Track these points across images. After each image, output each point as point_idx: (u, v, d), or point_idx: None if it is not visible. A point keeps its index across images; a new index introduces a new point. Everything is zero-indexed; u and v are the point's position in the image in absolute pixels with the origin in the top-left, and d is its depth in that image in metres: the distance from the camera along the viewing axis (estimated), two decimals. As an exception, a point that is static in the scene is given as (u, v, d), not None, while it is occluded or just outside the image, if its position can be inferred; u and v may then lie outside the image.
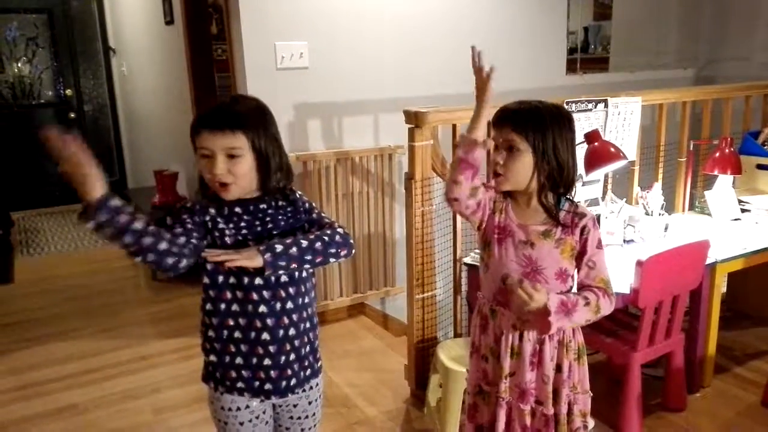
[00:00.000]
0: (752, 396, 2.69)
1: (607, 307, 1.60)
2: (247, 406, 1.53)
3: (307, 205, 1.55)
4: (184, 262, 1.37)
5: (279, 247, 1.39)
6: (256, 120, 1.44)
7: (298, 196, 1.55)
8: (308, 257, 1.43)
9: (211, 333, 1.51)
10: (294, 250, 1.41)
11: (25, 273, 4.59)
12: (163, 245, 1.33)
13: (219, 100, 1.51)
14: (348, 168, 3.45)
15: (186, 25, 4.02)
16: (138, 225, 1.29)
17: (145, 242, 1.30)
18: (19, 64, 6.34)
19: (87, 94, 6.68)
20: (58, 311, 3.87)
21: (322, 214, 1.56)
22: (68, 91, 6.53)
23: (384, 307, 3.73)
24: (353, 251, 1.52)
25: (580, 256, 1.61)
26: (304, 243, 1.43)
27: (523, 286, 1.49)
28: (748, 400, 2.67)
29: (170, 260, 1.34)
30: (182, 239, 1.39)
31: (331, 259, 1.47)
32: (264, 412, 1.56)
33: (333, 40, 3.37)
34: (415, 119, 2.49)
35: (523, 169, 1.55)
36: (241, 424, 1.54)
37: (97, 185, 1.27)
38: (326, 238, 1.46)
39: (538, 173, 1.56)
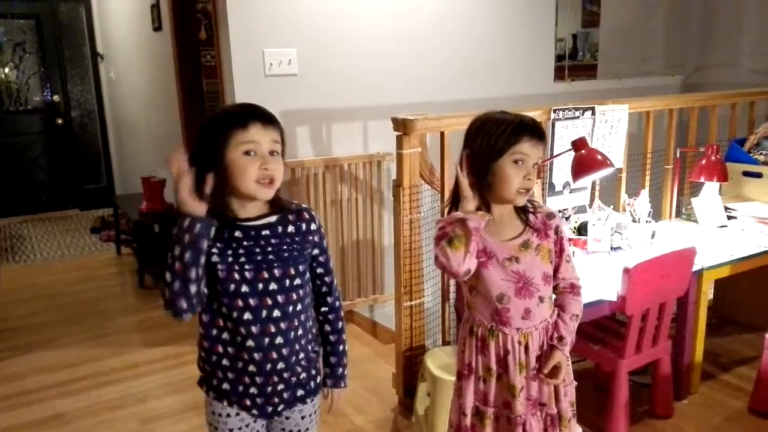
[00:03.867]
0: (739, 402, 2.70)
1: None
2: (237, 414, 1.52)
3: (317, 237, 1.51)
4: (190, 314, 1.37)
5: (340, 370, 1.61)
6: None
7: (316, 226, 1.51)
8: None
9: (203, 353, 1.50)
10: (345, 359, 1.62)
11: (10, 281, 4.55)
12: (193, 289, 1.34)
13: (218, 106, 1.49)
14: (336, 175, 3.45)
15: (174, 32, 4.01)
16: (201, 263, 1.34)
17: (191, 277, 1.33)
18: (6, 70, 6.31)
19: (75, 99, 6.64)
20: (43, 319, 3.84)
21: (329, 264, 1.57)
22: (56, 97, 6.50)
23: (372, 315, 3.72)
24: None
25: (559, 254, 1.68)
26: (344, 345, 1.62)
27: (547, 381, 1.64)
28: (735, 406, 2.68)
29: (185, 305, 1.35)
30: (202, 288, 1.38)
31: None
32: (255, 422, 1.55)
33: (322, 47, 3.37)
34: (403, 127, 2.49)
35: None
36: (231, 431, 1.53)
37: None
38: (343, 321, 1.62)
39: None
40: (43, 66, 6.43)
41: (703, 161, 3.06)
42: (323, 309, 1.59)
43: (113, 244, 5.24)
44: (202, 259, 1.33)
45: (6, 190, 6.29)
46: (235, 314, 1.41)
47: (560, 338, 1.65)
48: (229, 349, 1.44)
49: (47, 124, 6.50)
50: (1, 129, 6.30)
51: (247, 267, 1.40)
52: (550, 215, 1.67)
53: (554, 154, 2.69)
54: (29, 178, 6.45)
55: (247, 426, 1.53)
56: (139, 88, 5.32)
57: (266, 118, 1.40)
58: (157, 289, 4.28)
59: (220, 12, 3.23)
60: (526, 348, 1.64)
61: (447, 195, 2.61)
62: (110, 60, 6.31)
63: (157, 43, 4.45)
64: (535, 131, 1.58)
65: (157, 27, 4.35)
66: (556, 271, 1.68)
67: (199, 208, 1.32)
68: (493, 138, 1.57)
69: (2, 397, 2.94)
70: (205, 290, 1.39)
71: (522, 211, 1.64)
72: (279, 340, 1.44)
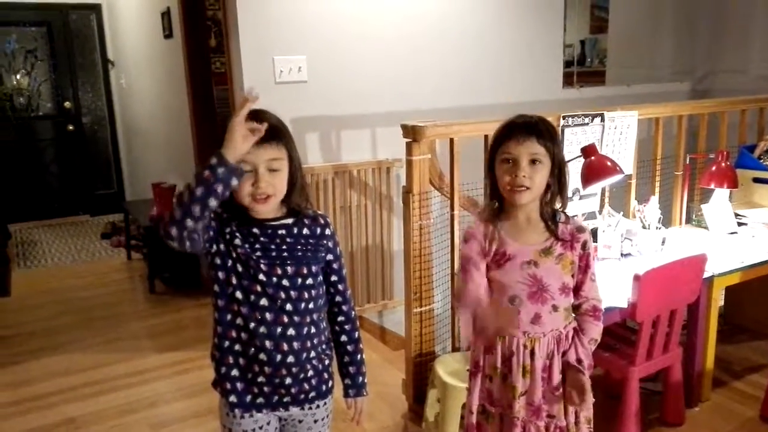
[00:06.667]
0: (750, 410, 2.68)
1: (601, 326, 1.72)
2: (251, 415, 1.53)
3: (331, 243, 1.55)
4: (176, 244, 1.35)
5: (360, 378, 1.63)
6: (288, 132, 1.47)
7: (330, 232, 1.55)
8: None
9: (215, 339, 1.52)
10: (364, 367, 1.65)
11: (22, 286, 4.58)
12: (189, 224, 1.33)
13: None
14: (346, 181, 3.46)
15: (185, 39, 4.03)
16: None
17: (199, 210, 1.32)
18: (18, 77, 6.37)
19: (85, 106, 6.70)
20: (55, 324, 3.86)
21: (343, 272, 1.59)
22: (67, 104, 6.55)
23: (382, 321, 3.73)
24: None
25: (584, 270, 1.67)
26: (362, 354, 1.64)
27: (578, 405, 1.64)
28: (746, 414, 2.67)
29: (175, 232, 1.34)
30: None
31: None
32: (268, 424, 1.56)
33: (331, 54, 3.39)
34: (412, 133, 2.50)
35: (543, 181, 1.60)
36: None
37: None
38: (359, 331, 1.65)
39: (550, 183, 1.61)
40: (54, 73, 6.48)
41: (713, 168, 3.06)
42: (339, 318, 1.61)
43: (123, 250, 5.27)
44: (212, 203, 1.31)
45: (18, 196, 6.34)
46: (252, 297, 1.44)
47: (579, 361, 1.65)
48: (242, 335, 1.47)
49: (58, 131, 6.55)
50: (13, 135, 6.36)
51: (263, 261, 1.44)
52: (581, 229, 1.66)
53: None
54: (40, 184, 6.50)
55: (261, 428, 1.54)
56: (150, 94, 5.36)
57: (262, 137, 1.37)
58: (167, 294, 4.31)
59: (230, 19, 3.25)
60: (532, 353, 1.64)
61: (456, 201, 2.62)
62: (121, 67, 6.37)
63: (167, 50, 4.48)
64: (522, 128, 1.59)
65: (168, 34, 4.39)
66: (579, 288, 1.67)
67: (234, 150, 1.31)
68: (491, 140, 1.65)
69: (14, 401, 2.96)
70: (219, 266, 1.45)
71: (551, 220, 1.64)
72: (291, 332, 1.46)
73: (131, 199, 6.50)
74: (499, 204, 1.66)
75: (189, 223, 1.32)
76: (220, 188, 1.31)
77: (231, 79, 3.42)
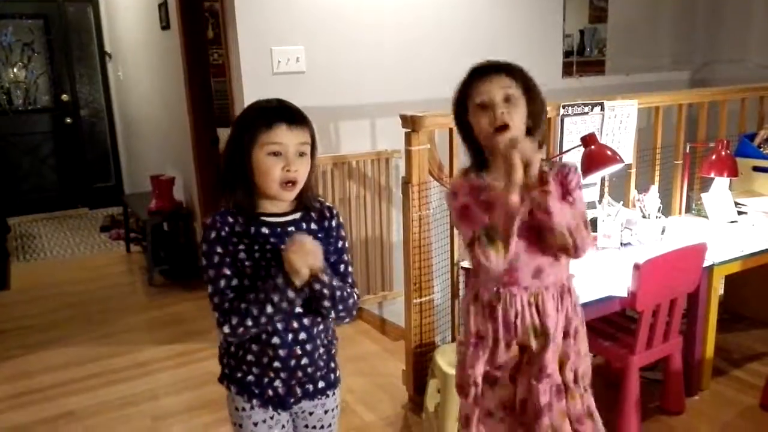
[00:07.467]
0: (750, 398, 2.69)
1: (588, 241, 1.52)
2: (261, 406, 1.52)
3: (340, 242, 1.50)
4: None
5: (326, 279, 1.39)
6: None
7: (337, 223, 1.50)
8: (332, 302, 1.42)
9: (230, 348, 1.51)
10: (332, 291, 1.41)
11: (21, 279, 4.58)
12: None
13: (264, 101, 1.42)
14: (345, 172, 3.45)
15: (182, 31, 4.01)
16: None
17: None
18: (15, 69, 6.34)
19: (83, 99, 6.67)
20: (54, 318, 3.86)
21: (349, 269, 1.52)
22: (64, 96, 6.52)
23: (381, 312, 3.73)
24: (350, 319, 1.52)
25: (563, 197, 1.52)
26: (338, 292, 1.42)
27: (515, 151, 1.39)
28: (746, 402, 2.67)
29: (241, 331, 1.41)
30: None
31: (334, 315, 1.45)
32: (279, 414, 1.55)
33: (329, 44, 3.38)
34: (411, 123, 2.49)
35: (522, 119, 1.52)
36: (255, 425, 1.52)
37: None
38: (350, 300, 1.45)
39: (529, 126, 1.54)
40: (51, 66, 6.45)
41: (713, 156, 3.05)
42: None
43: (122, 243, 5.26)
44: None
45: (16, 189, 6.33)
46: None
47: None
48: (254, 347, 1.46)
49: (56, 124, 6.53)
50: (11, 128, 6.33)
51: (273, 264, 1.40)
52: (563, 167, 1.56)
53: (563, 150, 2.69)
54: (39, 177, 6.49)
55: (271, 418, 1.53)
56: (147, 86, 5.34)
57: (293, 119, 1.38)
58: (166, 287, 4.31)
59: (227, 10, 3.24)
60: (539, 311, 1.56)
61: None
62: (118, 59, 6.34)
63: (165, 41, 4.46)
64: (488, 67, 1.55)
65: (165, 26, 4.36)
66: None
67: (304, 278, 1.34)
68: (457, 91, 1.62)
69: (14, 394, 2.97)
70: None
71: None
72: (303, 335, 1.45)
73: (130, 191, 6.47)
74: (480, 158, 1.58)
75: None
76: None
77: (229, 70, 3.40)
